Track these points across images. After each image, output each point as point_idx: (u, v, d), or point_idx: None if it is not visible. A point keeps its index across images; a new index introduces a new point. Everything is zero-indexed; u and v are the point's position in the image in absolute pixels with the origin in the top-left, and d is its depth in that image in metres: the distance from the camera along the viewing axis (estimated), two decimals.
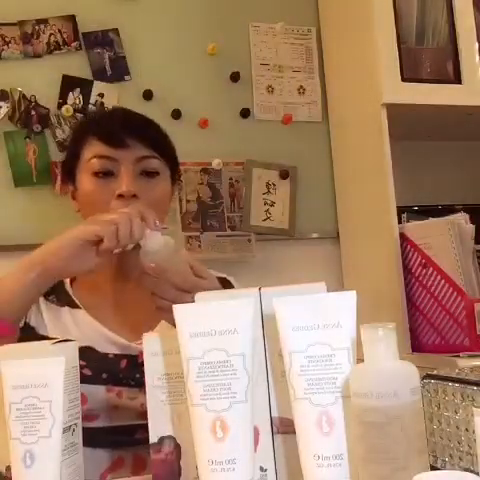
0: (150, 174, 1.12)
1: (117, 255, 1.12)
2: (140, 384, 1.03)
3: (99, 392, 1.02)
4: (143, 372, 1.05)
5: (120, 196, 1.07)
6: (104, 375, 1.03)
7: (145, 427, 1.03)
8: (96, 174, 1.10)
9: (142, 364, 1.05)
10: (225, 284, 1.24)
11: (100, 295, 1.13)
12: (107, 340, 1.07)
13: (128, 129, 1.10)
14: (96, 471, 1.01)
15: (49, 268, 0.96)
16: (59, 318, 1.08)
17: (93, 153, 1.10)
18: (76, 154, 1.14)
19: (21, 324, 1.04)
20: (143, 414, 1.04)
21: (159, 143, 1.15)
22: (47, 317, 1.08)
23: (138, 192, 1.08)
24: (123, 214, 0.95)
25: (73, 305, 1.11)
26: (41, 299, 1.10)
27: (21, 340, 1.02)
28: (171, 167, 1.18)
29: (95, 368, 1.02)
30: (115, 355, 1.06)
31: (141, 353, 1.05)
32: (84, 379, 1.01)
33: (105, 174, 1.10)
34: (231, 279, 1.26)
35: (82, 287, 1.15)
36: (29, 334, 1.06)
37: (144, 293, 1.12)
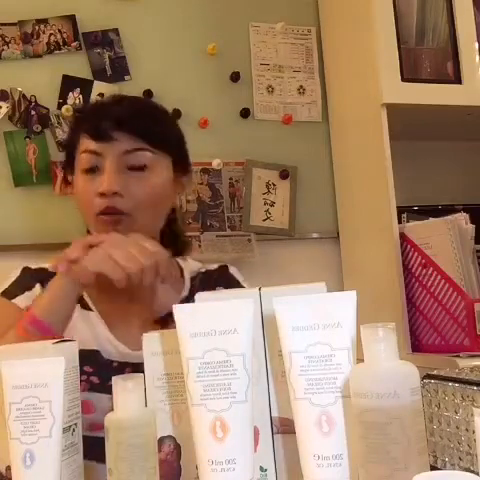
0: (138, 168, 1.04)
1: None
2: None
3: (105, 401, 0.98)
4: None
5: (102, 194, 1.01)
6: (110, 383, 1.03)
7: None
8: (84, 170, 1.05)
9: None
10: (223, 270, 1.21)
11: (111, 300, 1.09)
12: (111, 345, 1.05)
13: (115, 121, 1.03)
14: None
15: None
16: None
17: (82, 148, 1.06)
18: (71, 152, 1.10)
19: None
20: None
21: (152, 133, 1.05)
22: None
23: (122, 189, 1.02)
24: (136, 262, 0.91)
25: (85, 306, 1.08)
26: None
27: None
28: (175, 159, 1.10)
29: (102, 376, 1.00)
30: (119, 363, 1.04)
31: None
32: (93, 387, 1.00)
33: (92, 170, 1.04)
34: (233, 270, 1.22)
35: (95, 290, 1.12)
36: None
37: (154, 302, 1.10)
